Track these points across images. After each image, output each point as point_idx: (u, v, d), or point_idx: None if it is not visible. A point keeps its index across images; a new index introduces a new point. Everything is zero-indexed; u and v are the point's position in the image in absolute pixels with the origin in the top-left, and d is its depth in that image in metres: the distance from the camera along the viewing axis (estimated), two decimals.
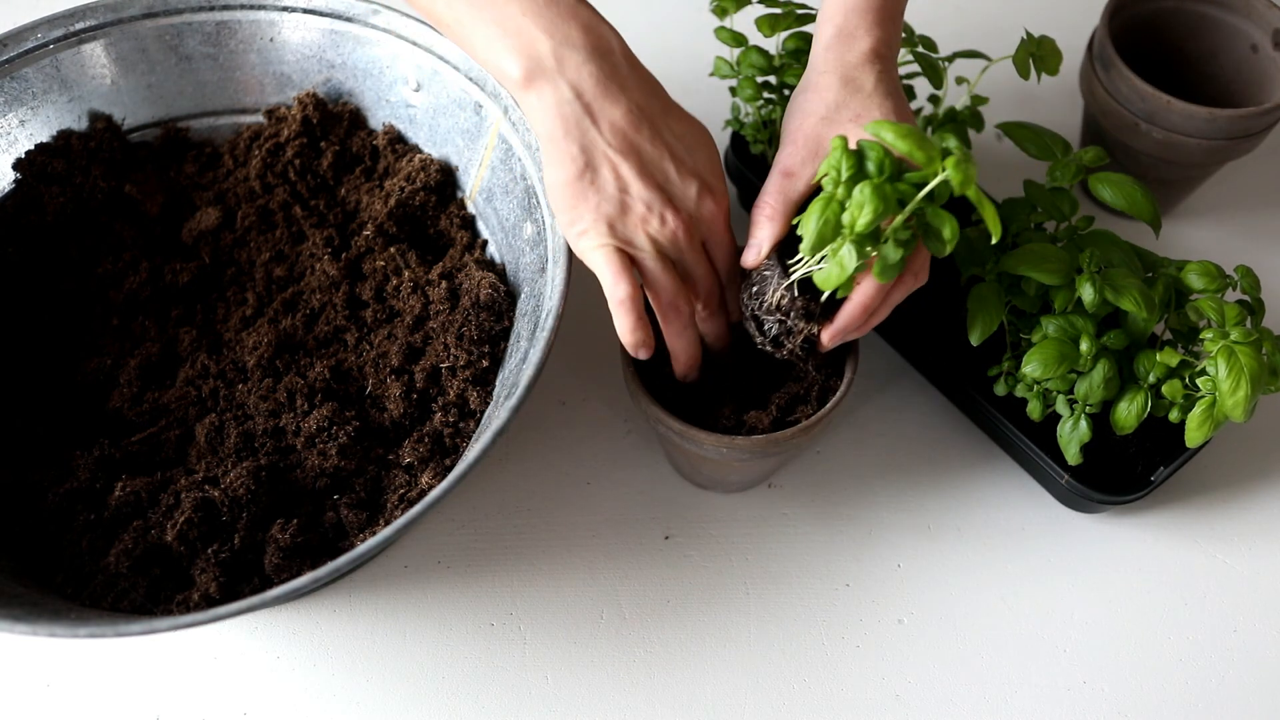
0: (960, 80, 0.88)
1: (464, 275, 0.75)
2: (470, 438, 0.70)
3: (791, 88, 0.81)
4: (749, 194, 0.89)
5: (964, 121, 0.83)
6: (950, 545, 0.77)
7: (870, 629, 0.74)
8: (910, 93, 0.84)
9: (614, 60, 0.62)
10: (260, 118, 0.84)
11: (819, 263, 0.62)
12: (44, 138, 0.80)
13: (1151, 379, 0.71)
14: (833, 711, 0.71)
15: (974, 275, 0.75)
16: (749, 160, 0.88)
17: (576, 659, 0.72)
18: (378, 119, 0.83)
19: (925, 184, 0.56)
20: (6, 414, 0.73)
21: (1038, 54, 0.80)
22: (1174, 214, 0.95)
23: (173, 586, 0.66)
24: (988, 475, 0.80)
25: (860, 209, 0.56)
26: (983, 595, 0.75)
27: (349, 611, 0.73)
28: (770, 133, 0.85)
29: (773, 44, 0.84)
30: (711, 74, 0.85)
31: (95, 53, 0.80)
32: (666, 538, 0.77)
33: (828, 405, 0.69)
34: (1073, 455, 0.73)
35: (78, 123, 0.81)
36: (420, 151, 0.82)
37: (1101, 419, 0.74)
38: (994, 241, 0.57)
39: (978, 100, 0.84)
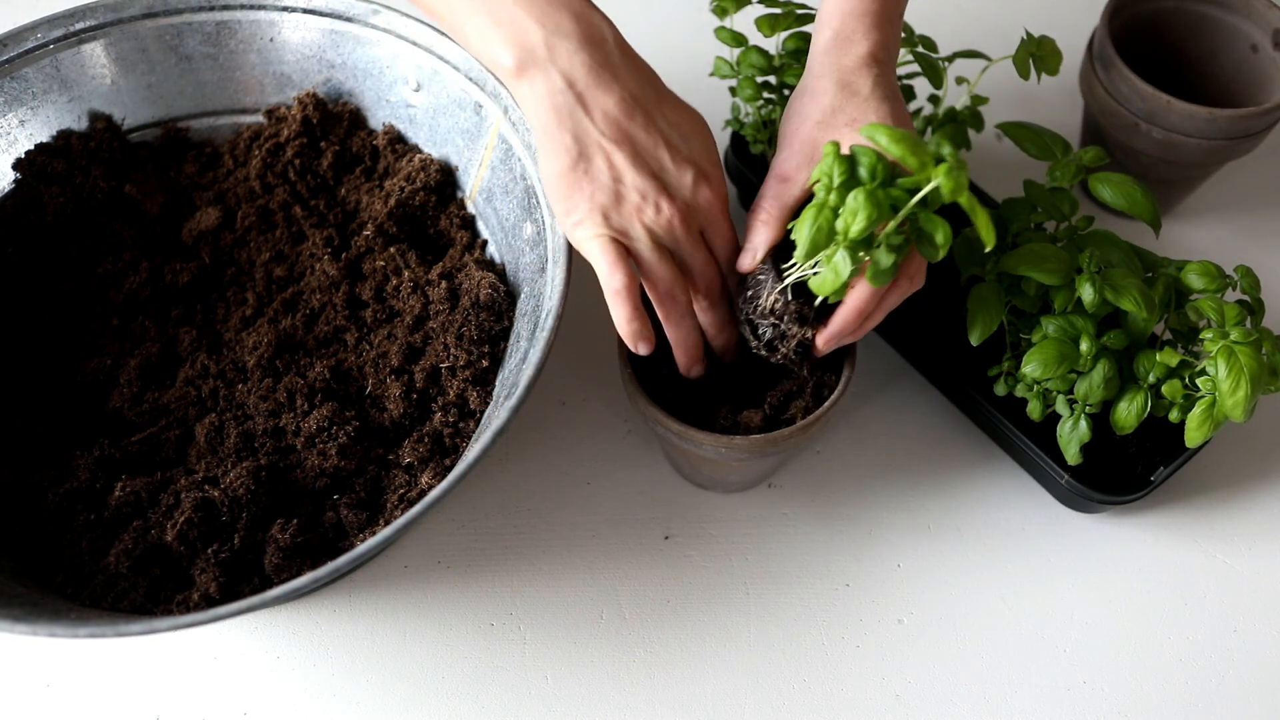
0: (960, 80, 0.88)
1: (464, 275, 0.75)
2: (470, 438, 0.70)
3: (791, 87, 0.81)
4: (749, 194, 0.89)
5: (964, 121, 0.83)
6: (950, 545, 0.77)
7: (870, 629, 0.74)
8: (910, 93, 0.84)
9: (606, 49, 0.62)
10: (260, 118, 0.84)
11: (813, 268, 0.62)
12: (44, 138, 0.80)
13: (1151, 379, 0.71)
14: (833, 711, 0.71)
15: (974, 275, 0.75)
16: (749, 160, 0.88)
17: (576, 659, 0.72)
18: (378, 119, 0.83)
19: (918, 189, 0.56)
20: (6, 414, 0.73)
21: (1038, 54, 0.80)
22: (1174, 214, 0.95)
23: (173, 586, 0.66)
24: (988, 475, 0.80)
25: (853, 215, 0.56)
26: (983, 595, 0.75)
27: (349, 611, 0.73)
28: (770, 133, 0.85)
29: (773, 44, 0.84)
30: (711, 74, 0.85)
31: (95, 53, 0.80)
32: (666, 538, 0.77)
33: (825, 404, 0.69)
34: (1073, 455, 0.73)
35: (78, 123, 0.81)
36: (420, 151, 0.82)
37: (1101, 419, 0.74)
38: (987, 249, 0.56)
39: (978, 100, 0.84)
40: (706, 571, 0.76)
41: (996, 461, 0.81)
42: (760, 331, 0.66)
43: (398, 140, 0.83)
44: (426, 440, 0.69)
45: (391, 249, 0.78)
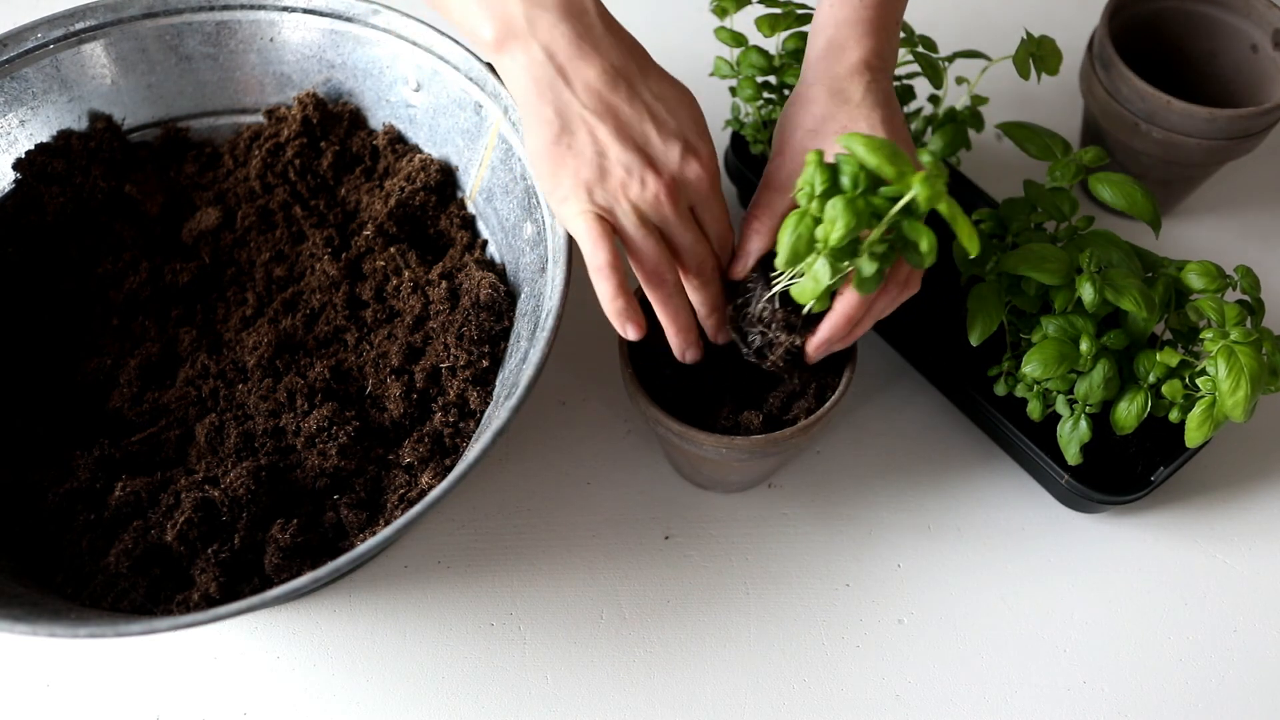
0: (960, 80, 0.88)
1: (464, 275, 0.75)
2: (470, 438, 0.70)
3: (791, 87, 0.81)
4: (749, 194, 0.89)
5: (964, 121, 0.83)
6: (950, 545, 0.77)
7: (870, 629, 0.74)
8: (910, 93, 0.84)
9: (587, 20, 0.60)
10: (260, 118, 0.84)
11: (799, 276, 0.62)
12: (44, 138, 0.80)
13: (1151, 379, 0.71)
14: (833, 711, 0.71)
15: (974, 275, 0.75)
16: (749, 160, 0.88)
17: (576, 659, 0.72)
18: (378, 119, 0.83)
19: (901, 197, 0.56)
20: (6, 414, 0.73)
21: (1038, 54, 0.80)
22: (1174, 214, 0.95)
23: (173, 586, 0.66)
24: (988, 475, 0.80)
25: (832, 224, 0.55)
26: (983, 595, 0.75)
27: (349, 611, 0.73)
28: (770, 133, 0.85)
29: (773, 44, 0.84)
30: (711, 74, 0.85)
31: (95, 53, 0.80)
32: (666, 538, 0.77)
33: (826, 405, 0.69)
34: (1073, 455, 0.73)
35: (78, 123, 0.81)
36: (420, 151, 0.82)
37: (1101, 419, 0.74)
38: (971, 257, 0.56)
39: (978, 100, 0.84)
40: (706, 571, 0.76)
41: (996, 461, 0.81)
42: (749, 339, 0.66)
43: (398, 140, 0.83)
44: (426, 440, 0.69)
45: (391, 249, 0.78)
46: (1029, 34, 0.80)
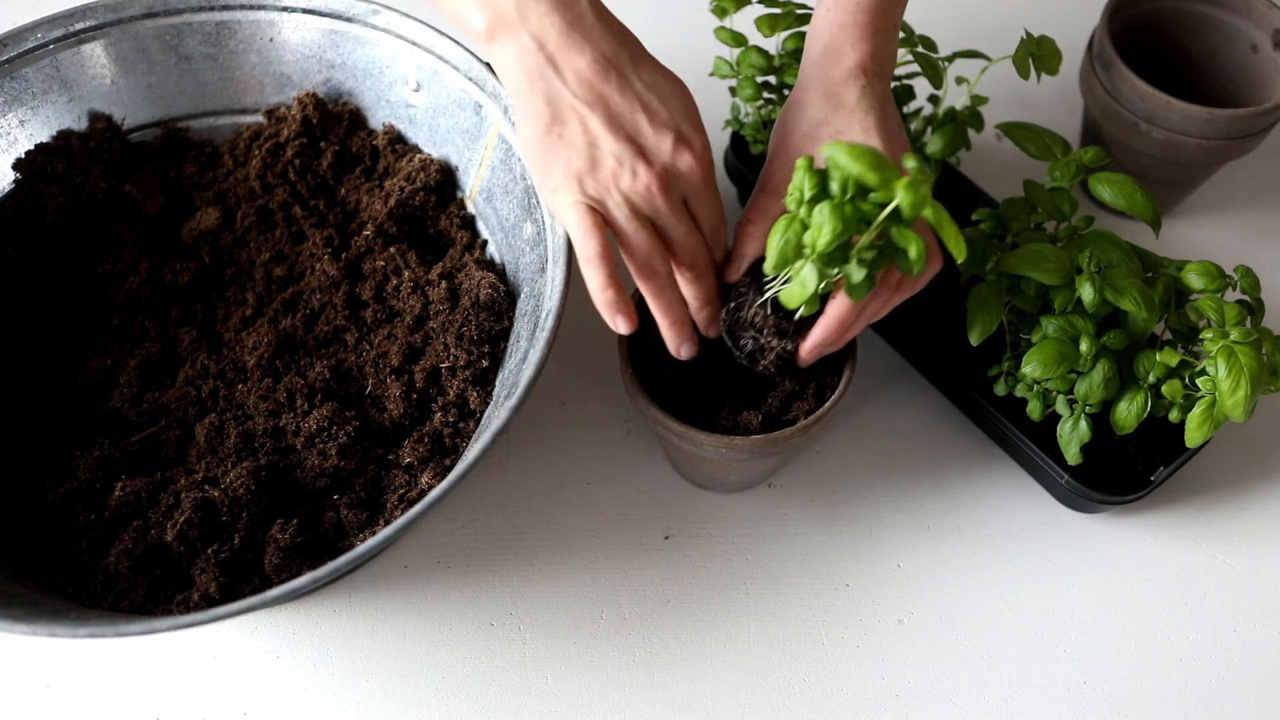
0: (960, 80, 0.88)
1: (464, 275, 0.75)
2: (470, 438, 0.70)
3: (791, 88, 0.81)
4: (749, 194, 0.89)
5: (964, 121, 0.83)
6: (950, 545, 0.77)
7: (870, 629, 0.74)
8: (910, 93, 0.84)
9: (579, 9, 0.60)
10: (260, 118, 0.84)
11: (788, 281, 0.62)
12: (44, 138, 0.80)
13: (1151, 379, 0.71)
14: (833, 711, 0.71)
15: (974, 275, 0.75)
16: (749, 160, 0.88)
17: (576, 659, 0.72)
18: (378, 119, 0.83)
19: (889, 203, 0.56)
20: (6, 414, 0.73)
21: (1038, 54, 0.80)
22: (1174, 214, 0.95)
23: (173, 586, 0.66)
24: (988, 475, 0.80)
25: (820, 230, 0.55)
26: (983, 595, 0.75)
27: (349, 611, 0.73)
28: (770, 133, 0.85)
29: (773, 44, 0.84)
30: (711, 74, 0.85)
31: (95, 53, 0.80)
32: (666, 538, 0.77)
33: (825, 405, 0.69)
34: (1073, 455, 0.73)
35: (78, 123, 0.81)
36: (420, 151, 0.82)
37: (1101, 419, 0.74)
38: (959, 262, 0.56)
39: (978, 100, 0.84)
40: (706, 571, 0.76)
41: (996, 461, 0.81)
42: (742, 343, 0.66)
43: (398, 140, 0.83)
44: (426, 440, 0.69)
45: (391, 249, 0.78)
46: (1029, 34, 0.80)
